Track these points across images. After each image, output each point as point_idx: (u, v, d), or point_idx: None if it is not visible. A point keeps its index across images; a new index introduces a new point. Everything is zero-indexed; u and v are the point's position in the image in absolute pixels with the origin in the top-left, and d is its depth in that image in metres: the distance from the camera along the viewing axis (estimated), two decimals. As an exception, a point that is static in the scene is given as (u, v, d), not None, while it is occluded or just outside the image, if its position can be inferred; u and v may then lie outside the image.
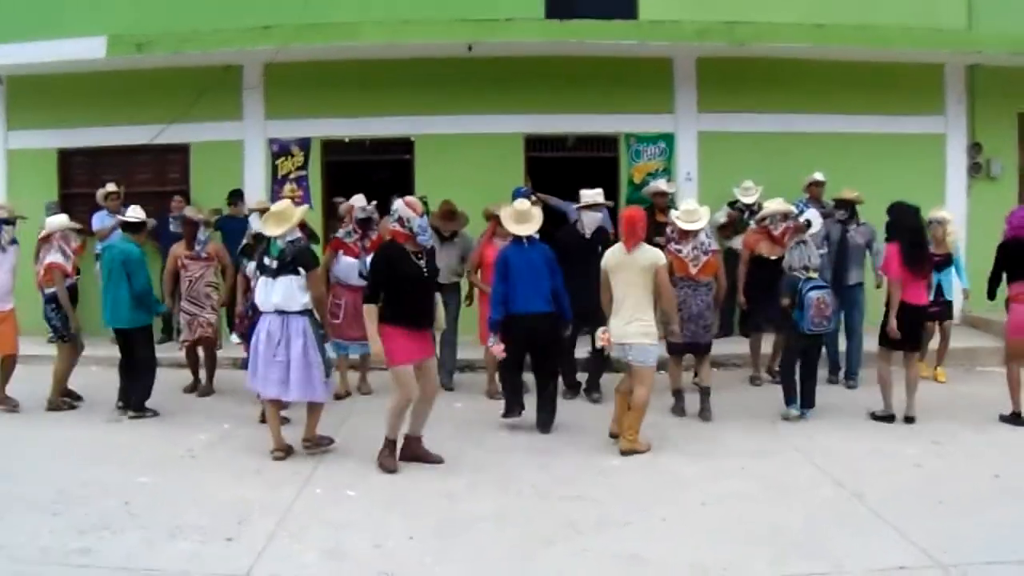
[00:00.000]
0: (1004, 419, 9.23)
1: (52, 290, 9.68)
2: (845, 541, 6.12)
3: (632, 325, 8.26)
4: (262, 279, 8.11)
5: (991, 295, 9.60)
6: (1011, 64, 13.63)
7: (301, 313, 8.00)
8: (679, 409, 9.57)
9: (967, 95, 14.19)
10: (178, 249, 10.61)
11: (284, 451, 8.08)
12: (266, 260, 8.09)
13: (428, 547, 6.06)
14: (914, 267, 9.14)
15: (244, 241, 9.82)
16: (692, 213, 9.50)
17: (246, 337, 9.12)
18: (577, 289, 9.24)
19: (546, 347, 9.07)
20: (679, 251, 9.49)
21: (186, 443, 8.56)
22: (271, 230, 8.05)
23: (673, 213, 9.77)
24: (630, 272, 8.34)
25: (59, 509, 6.69)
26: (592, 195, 10.32)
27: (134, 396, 9.53)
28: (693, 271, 9.43)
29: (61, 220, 10.07)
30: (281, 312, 7.96)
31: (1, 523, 6.42)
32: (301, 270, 7.97)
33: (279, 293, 7.94)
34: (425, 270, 7.78)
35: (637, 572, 5.71)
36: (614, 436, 8.57)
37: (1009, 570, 5.65)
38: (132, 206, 10.34)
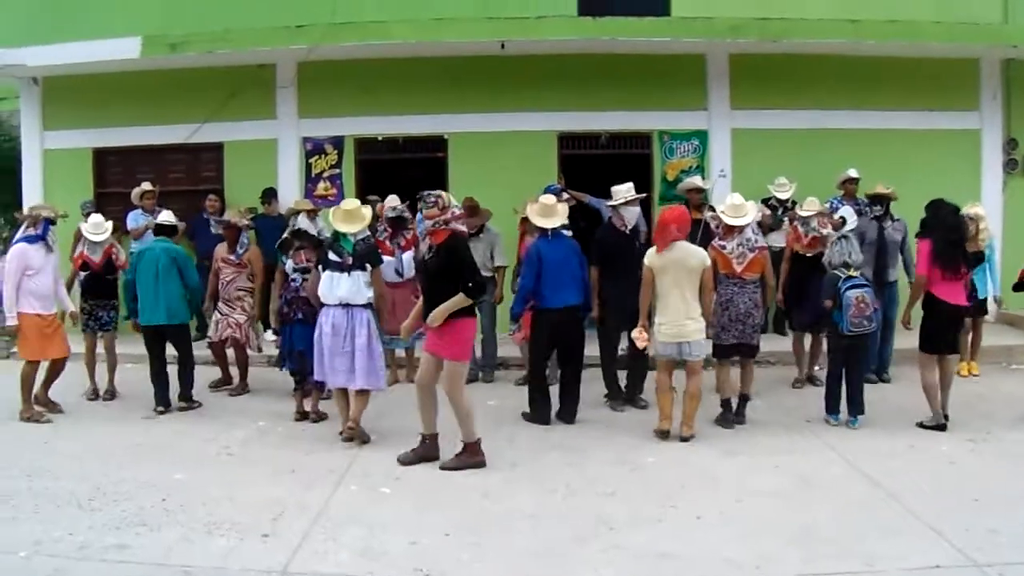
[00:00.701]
0: None
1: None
2: (878, 540, 6.08)
3: (688, 323, 8.47)
4: (326, 274, 8.51)
5: (1019, 288, 9.70)
6: (1048, 58, 13.44)
7: (365, 306, 8.53)
8: (727, 421, 9.01)
9: (1003, 90, 14.02)
10: (220, 251, 10.75)
11: (353, 428, 8.46)
12: (332, 256, 8.53)
13: (463, 544, 6.06)
14: (946, 265, 8.83)
15: (284, 236, 9.83)
16: (738, 208, 9.11)
17: (279, 333, 9.56)
18: (623, 287, 9.27)
19: (572, 339, 9.20)
20: (723, 247, 9.12)
21: (222, 440, 8.62)
22: (347, 227, 8.55)
23: (718, 208, 9.41)
24: (678, 272, 8.46)
25: (96, 505, 6.74)
26: (624, 190, 10.02)
27: (184, 388, 9.79)
28: (738, 269, 9.04)
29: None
30: (346, 305, 8.44)
31: (38, 519, 6.47)
32: (368, 266, 8.55)
33: (345, 288, 8.44)
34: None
35: (670, 569, 5.69)
36: (662, 434, 8.62)
37: (1046, 570, 5.57)
38: (164, 211, 10.54)
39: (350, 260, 8.48)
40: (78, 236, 12.43)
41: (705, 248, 9.17)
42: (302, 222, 11.05)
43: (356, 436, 8.46)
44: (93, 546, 5.98)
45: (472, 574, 5.63)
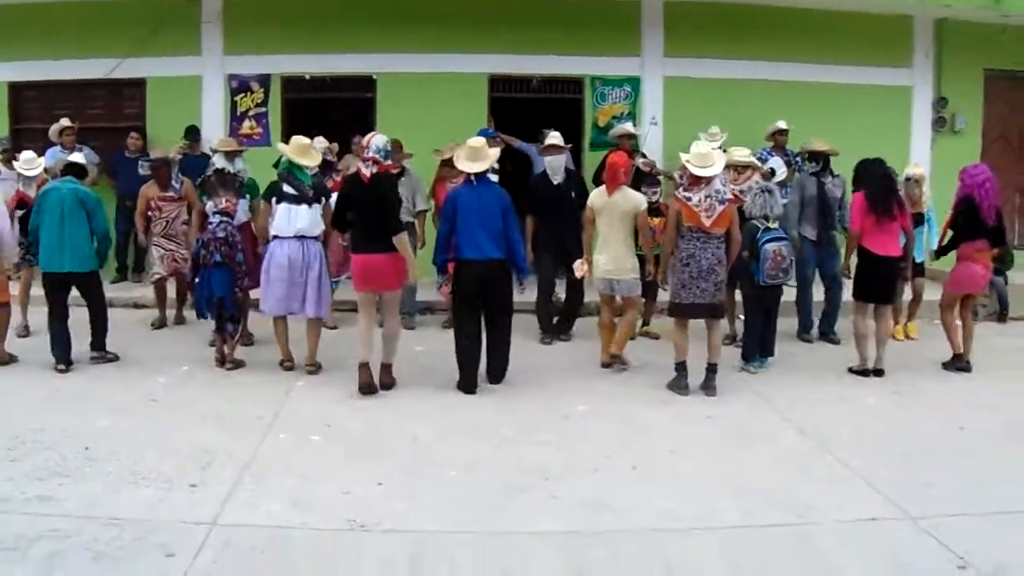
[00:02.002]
0: (946, 366, 9.49)
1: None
2: (813, 491, 6.13)
3: (619, 262, 9.06)
4: (282, 206, 8.74)
5: (942, 253, 9.89)
6: (979, 19, 13.53)
7: (317, 239, 8.87)
8: (682, 386, 8.52)
9: (935, 48, 14.16)
10: (150, 190, 10.53)
11: (291, 361, 9.04)
12: (288, 188, 8.77)
13: (397, 494, 5.99)
14: (881, 212, 8.98)
15: (206, 175, 9.58)
16: (705, 157, 8.42)
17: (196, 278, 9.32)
18: (555, 236, 9.47)
19: (496, 295, 8.53)
20: (688, 199, 8.39)
21: (145, 387, 8.39)
22: (305, 161, 8.89)
23: (684, 156, 8.70)
24: (613, 215, 9.08)
25: (16, 455, 6.53)
26: (554, 136, 10.30)
27: (96, 337, 9.28)
28: (707, 222, 8.30)
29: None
30: (300, 238, 8.71)
31: (-44, 470, 6.25)
32: (323, 199, 8.92)
33: (305, 220, 8.74)
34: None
35: (606, 520, 5.68)
36: (606, 366, 9.27)
37: (977, 522, 5.64)
38: (84, 148, 10.26)
39: (311, 192, 8.78)
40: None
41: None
42: (219, 162, 10.67)
43: (317, 371, 8.93)
44: (15, 498, 5.79)
45: (407, 524, 5.56)
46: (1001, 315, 11.86)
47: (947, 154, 13.71)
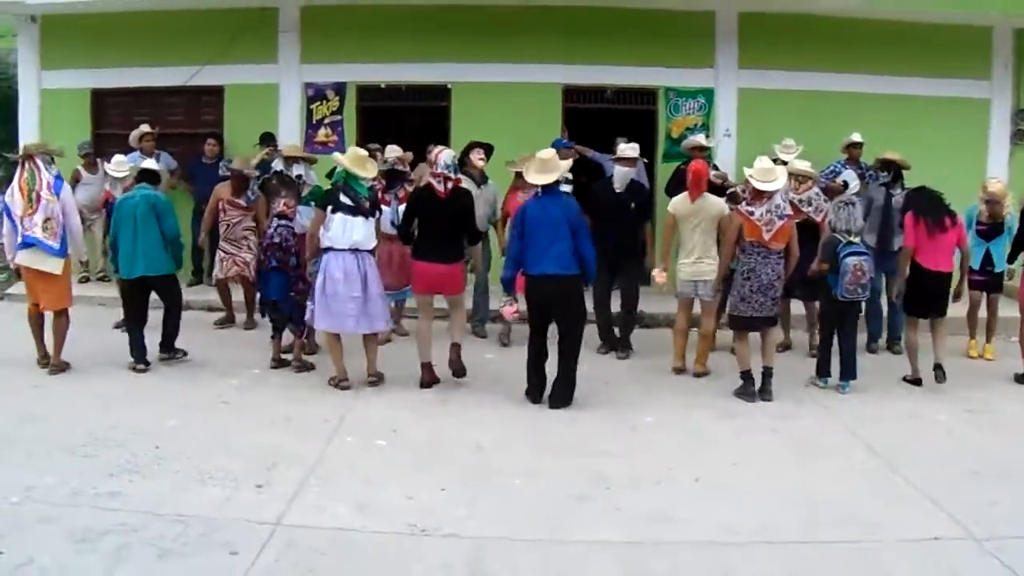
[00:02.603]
0: (1019, 378, 9.39)
1: None
2: (877, 509, 6.05)
3: (702, 264, 9.27)
4: (338, 216, 8.45)
5: (1010, 260, 9.89)
6: (1060, 30, 13.25)
7: (371, 252, 8.67)
8: (748, 392, 8.65)
9: (1014, 60, 13.79)
10: (223, 191, 10.73)
11: (348, 380, 8.64)
12: (344, 199, 8.48)
13: (459, 501, 6.03)
14: (931, 222, 9.08)
15: (266, 178, 9.74)
16: (768, 172, 8.65)
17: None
18: (608, 244, 9.25)
19: (565, 313, 8.32)
20: (751, 213, 8.58)
21: (216, 388, 8.55)
22: (364, 172, 8.65)
23: (747, 171, 8.93)
24: (698, 220, 9.29)
25: (89, 451, 6.68)
26: (628, 149, 10.08)
27: (168, 338, 9.44)
28: (767, 237, 8.50)
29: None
30: (355, 251, 8.47)
31: (31, 465, 6.40)
32: (378, 212, 8.80)
33: (360, 232, 8.50)
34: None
35: (667, 532, 5.66)
36: (678, 371, 9.53)
37: (1045, 545, 5.54)
38: (163, 154, 10.48)
39: (367, 204, 8.57)
40: (76, 178, 12.45)
41: None
42: (277, 165, 10.79)
43: (381, 383, 8.74)
44: (85, 493, 5.92)
45: (467, 530, 5.58)
46: None
47: (1025, 167, 13.48)
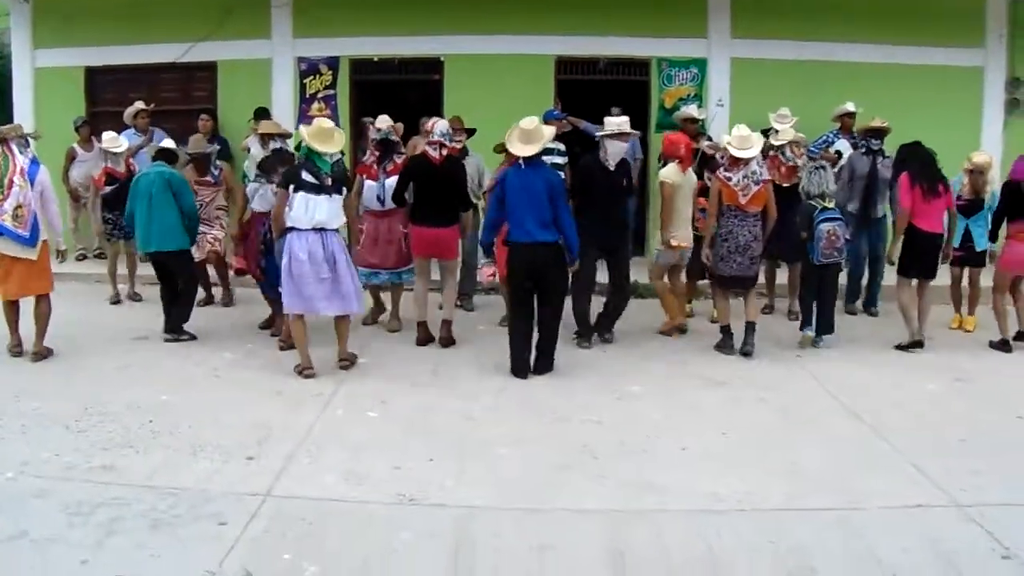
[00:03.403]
0: (993, 345, 9.53)
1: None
2: (861, 477, 6.09)
3: (689, 234, 9.74)
4: (299, 195, 8.07)
5: (992, 237, 9.97)
6: (1055, -2, 13.22)
7: (336, 231, 8.25)
8: (728, 346, 9.20)
9: (1008, 29, 13.78)
10: (188, 175, 10.43)
11: (313, 369, 8.19)
12: (307, 176, 8.10)
13: (448, 470, 6.09)
14: (926, 187, 9.24)
15: (265, 156, 9.61)
16: (745, 140, 9.04)
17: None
18: (599, 221, 9.13)
19: (545, 278, 8.35)
20: (728, 179, 9.00)
21: (210, 362, 8.63)
22: (326, 147, 8.18)
23: (724, 138, 9.40)
24: (686, 189, 9.67)
25: (83, 426, 6.76)
26: (617, 123, 9.58)
27: (174, 319, 9.48)
28: (743, 201, 8.95)
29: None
30: (320, 230, 8.08)
31: (26, 439, 6.49)
32: (344, 189, 8.34)
33: (324, 211, 8.10)
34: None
35: (653, 500, 5.71)
36: (665, 333, 9.94)
37: (1025, 512, 5.62)
38: (159, 131, 10.55)
39: (329, 181, 8.14)
40: (72, 155, 12.51)
41: (701, 176, 9.99)
42: (252, 145, 10.58)
43: (351, 366, 8.46)
44: (79, 467, 6.01)
45: (454, 500, 5.65)
46: None
47: (1020, 136, 13.39)
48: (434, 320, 9.45)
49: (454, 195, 9.26)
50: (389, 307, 10.21)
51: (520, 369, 8.37)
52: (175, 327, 9.48)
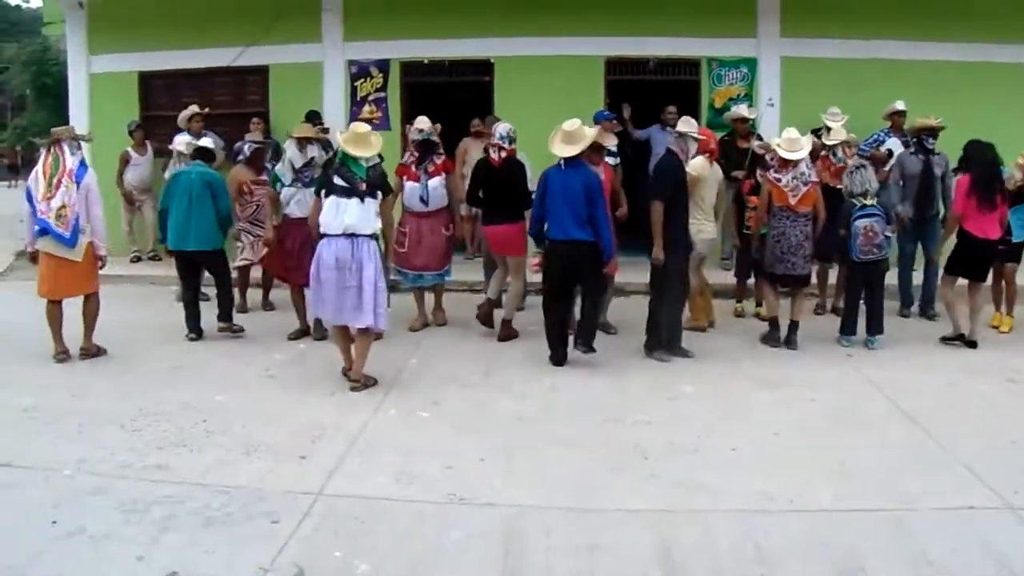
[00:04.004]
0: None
1: None
2: (913, 478, 6.02)
3: (713, 225, 9.88)
4: (330, 200, 7.80)
5: None
6: (1110, -6, 12.99)
7: (371, 237, 7.84)
8: (774, 338, 9.42)
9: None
10: (243, 174, 10.55)
11: (358, 381, 7.91)
12: (338, 180, 7.84)
13: (497, 470, 6.10)
14: (983, 198, 9.12)
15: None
16: (794, 142, 9.25)
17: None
18: (684, 224, 9.01)
19: (584, 276, 8.63)
20: (778, 180, 9.25)
21: (263, 362, 8.71)
22: (361, 151, 7.95)
23: (774, 141, 9.51)
24: (711, 181, 9.74)
25: (138, 426, 6.84)
26: (687, 122, 9.32)
27: (222, 310, 9.65)
28: (792, 201, 9.17)
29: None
30: (351, 235, 7.75)
31: (83, 439, 6.58)
32: (379, 194, 7.96)
33: (354, 215, 7.73)
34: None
35: (703, 500, 5.69)
36: (697, 329, 9.88)
37: (1081, 514, 5.52)
38: (209, 134, 10.57)
39: (363, 185, 7.82)
40: (126, 159, 12.67)
41: (753, 175, 10.10)
42: (289, 150, 10.37)
43: (363, 388, 7.89)
44: (134, 465, 6.08)
45: (505, 499, 5.65)
46: None
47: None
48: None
49: (514, 194, 9.53)
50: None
51: (558, 359, 8.73)
52: (227, 316, 9.66)
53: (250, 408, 7.32)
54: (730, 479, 5.99)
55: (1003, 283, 10.19)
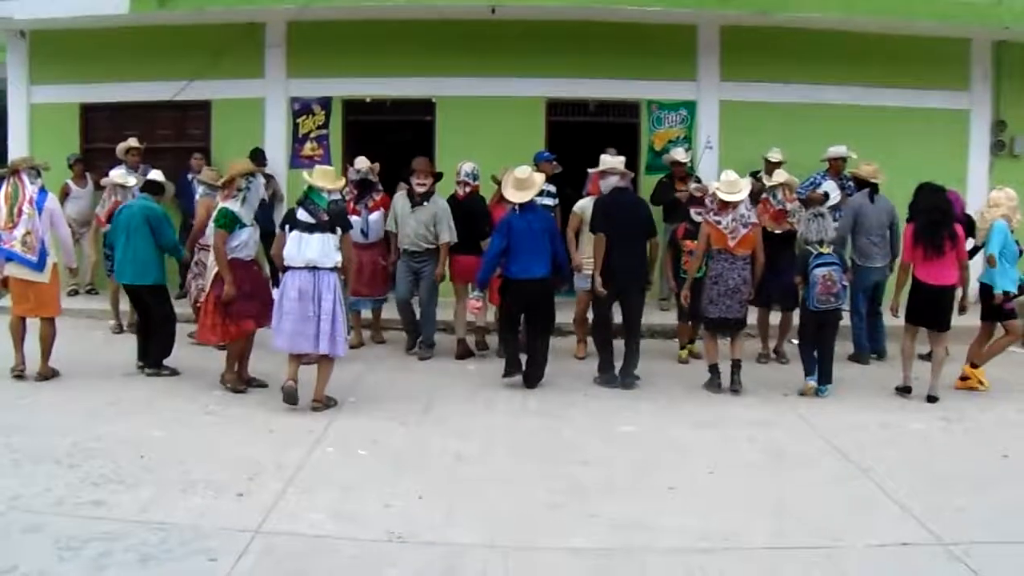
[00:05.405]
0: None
1: None
2: (847, 516, 6.15)
3: None
4: (293, 234, 8.26)
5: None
6: (1038, 41, 13.39)
7: (332, 270, 8.27)
8: (715, 385, 9.31)
9: (993, 71, 14.01)
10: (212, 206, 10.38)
11: (320, 402, 8.36)
12: (303, 215, 8.29)
13: (437, 508, 6.13)
14: (928, 246, 9.03)
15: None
16: (734, 184, 9.19)
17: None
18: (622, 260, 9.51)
19: (540, 311, 9.41)
20: (718, 222, 9.21)
21: (202, 399, 8.65)
22: (330, 184, 8.51)
23: (713, 184, 9.56)
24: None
25: (74, 461, 6.78)
26: (611, 162, 9.97)
27: (154, 353, 9.52)
28: (731, 244, 9.14)
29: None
30: (312, 268, 8.19)
31: (18, 474, 6.51)
32: (339, 229, 8.38)
33: (315, 249, 8.21)
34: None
35: (641, 539, 5.76)
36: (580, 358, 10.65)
37: (1012, 550, 5.67)
38: (152, 169, 10.57)
39: (326, 218, 8.27)
40: (66, 191, 12.58)
41: (687, 218, 10.23)
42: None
43: (326, 409, 8.34)
44: (69, 502, 6.03)
45: (444, 538, 5.69)
46: None
47: (1005, 178, 13.26)
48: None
49: (478, 227, 10.34)
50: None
51: (512, 368, 9.38)
52: (157, 361, 9.52)
53: (188, 444, 7.29)
54: (668, 518, 6.07)
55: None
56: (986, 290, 9.49)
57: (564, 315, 10.53)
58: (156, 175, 10.22)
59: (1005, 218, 9.45)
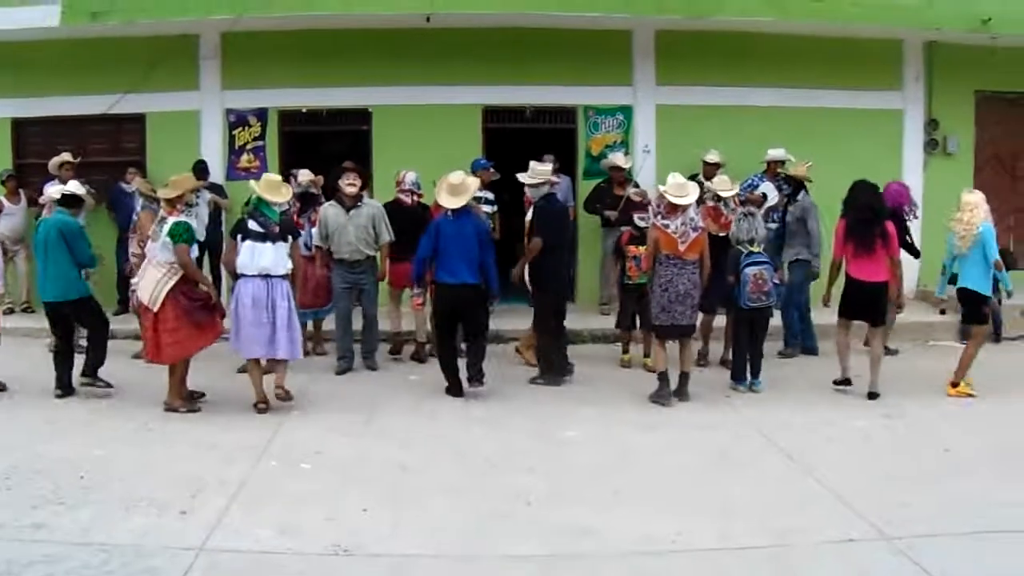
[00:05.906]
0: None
1: None
2: (793, 514, 6.24)
3: None
4: (246, 244, 8.57)
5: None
6: (969, 42, 13.61)
7: (284, 277, 8.68)
8: (664, 396, 9.05)
9: (925, 72, 14.23)
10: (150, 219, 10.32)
11: (266, 403, 8.68)
12: (253, 225, 8.61)
13: (382, 520, 6.13)
14: (859, 243, 9.17)
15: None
16: (682, 187, 9.02)
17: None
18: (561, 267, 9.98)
19: (470, 315, 9.41)
20: (666, 226, 8.99)
21: (142, 416, 8.54)
22: (276, 197, 8.77)
23: (662, 187, 9.31)
24: None
25: (12, 483, 6.69)
26: (540, 169, 10.04)
27: (87, 364, 9.30)
28: (681, 248, 8.93)
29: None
30: (266, 276, 8.54)
31: (-46, 498, 6.41)
32: (290, 238, 8.82)
33: (269, 258, 8.57)
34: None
35: (588, 544, 5.80)
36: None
37: (954, 542, 5.78)
38: (72, 181, 10.40)
39: (277, 229, 8.63)
40: (-2, 207, 12.35)
41: (628, 223, 10.29)
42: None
43: (288, 400, 8.70)
44: (9, 525, 5.95)
45: (390, 549, 5.70)
46: (996, 335, 11.67)
47: (939, 176, 13.82)
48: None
49: (419, 234, 9.76)
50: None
51: (455, 390, 9.37)
52: (92, 371, 9.30)
53: (129, 462, 7.22)
54: (614, 522, 6.12)
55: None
56: (969, 295, 9.40)
57: (501, 323, 10.75)
58: (72, 187, 9.94)
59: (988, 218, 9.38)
